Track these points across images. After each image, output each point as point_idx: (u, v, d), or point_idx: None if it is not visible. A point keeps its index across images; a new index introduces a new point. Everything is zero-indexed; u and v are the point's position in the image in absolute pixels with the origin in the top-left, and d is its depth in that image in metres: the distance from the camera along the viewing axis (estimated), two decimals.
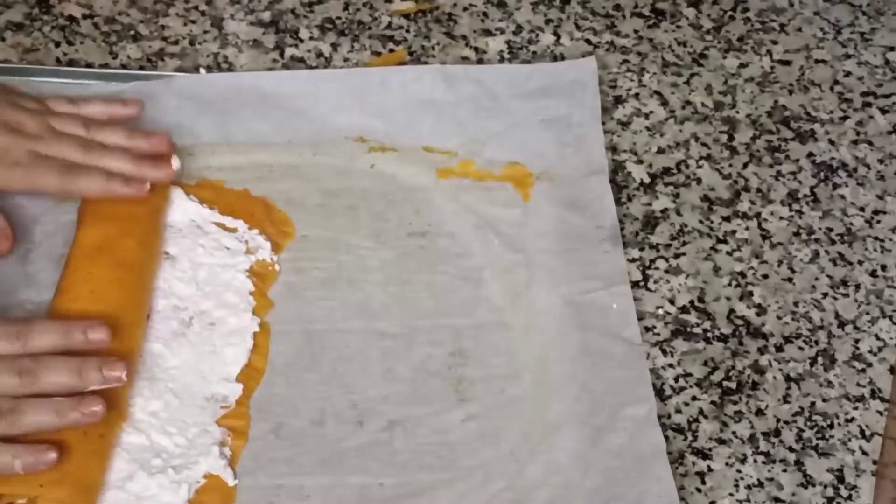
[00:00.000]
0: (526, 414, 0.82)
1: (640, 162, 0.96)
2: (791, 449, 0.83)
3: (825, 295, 0.90)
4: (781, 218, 0.94)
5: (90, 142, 0.87)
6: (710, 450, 0.83)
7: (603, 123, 0.97)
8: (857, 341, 0.88)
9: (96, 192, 0.85)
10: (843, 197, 0.96)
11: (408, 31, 1.02)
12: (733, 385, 0.86)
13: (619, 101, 1.00)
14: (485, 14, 1.04)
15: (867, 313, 0.90)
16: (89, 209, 0.85)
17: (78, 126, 0.87)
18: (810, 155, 0.98)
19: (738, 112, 1.00)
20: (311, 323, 0.85)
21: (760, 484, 0.82)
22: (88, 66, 0.97)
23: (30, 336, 0.76)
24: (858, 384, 0.86)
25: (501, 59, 1.01)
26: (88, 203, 0.86)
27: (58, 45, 0.98)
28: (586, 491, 0.79)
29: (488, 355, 0.85)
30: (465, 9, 1.04)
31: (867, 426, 0.84)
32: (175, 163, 0.87)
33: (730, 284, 0.90)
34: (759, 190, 0.96)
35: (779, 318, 0.89)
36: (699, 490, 0.81)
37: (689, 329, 0.88)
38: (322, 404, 0.82)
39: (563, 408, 0.82)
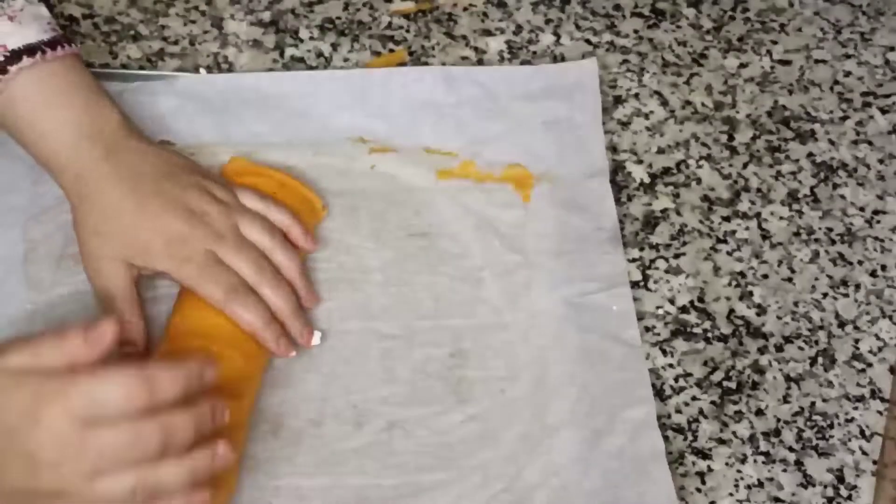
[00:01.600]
0: (525, 415, 0.82)
1: (640, 162, 0.96)
2: (791, 449, 0.83)
3: (825, 295, 0.90)
4: (781, 218, 0.94)
5: (264, 264, 0.82)
6: (710, 450, 0.83)
7: (603, 123, 0.96)
8: (857, 341, 0.88)
9: (251, 328, 0.80)
10: (843, 197, 0.96)
11: (408, 31, 1.02)
12: (733, 385, 0.86)
13: (619, 101, 1.00)
14: (485, 14, 1.04)
15: (867, 313, 0.90)
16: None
17: (263, 234, 0.83)
18: (810, 155, 0.98)
19: (738, 112, 1.00)
20: (311, 323, 0.85)
21: (760, 484, 0.82)
22: (88, 65, 0.96)
23: (155, 385, 0.67)
24: (858, 384, 0.86)
25: (501, 60, 1.01)
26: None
27: None
28: (585, 493, 0.79)
29: (488, 356, 0.85)
30: (465, 9, 1.04)
31: (867, 426, 0.84)
32: (317, 337, 0.85)
33: (730, 284, 0.90)
34: (759, 190, 0.95)
35: (779, 318, 0.89)
36: (699, 490, 0.81)
37: (689, 329, 0.88)
38: (321, 405, 0.82)
39: (563, 409, 0.82)
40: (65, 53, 0.83)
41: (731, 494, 0.81)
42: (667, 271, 0.91)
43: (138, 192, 0.81)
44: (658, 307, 0.89)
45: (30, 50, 0.81)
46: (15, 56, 0.81)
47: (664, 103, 1.00)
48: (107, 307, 0.81)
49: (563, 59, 1.01)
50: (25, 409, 0.65)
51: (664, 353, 0.87)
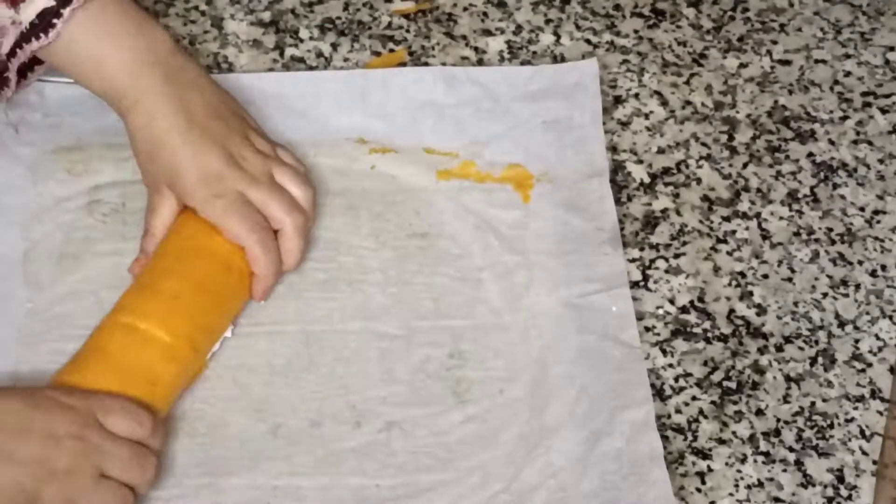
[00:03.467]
0: (524, 416, 0.82)
1: (640, 162, 0.96)
2: (791, 449, 0.83)
3: (825, 295, 0.90)
4: (781, 218, 0.94)
5: (295, 210, 0.85)
6: (710, 450, 0.83)
7: (603, 123, 0.96)
8: (857, 341, 0.88)
9: (259, 272, 0.84)
10: (843, 197, 0.96)
11: (408, 31, 1.02)
12: (733, 385, 0.86)
13: (619, 101, 0.99)
14: (485, 14, 1.04)
15: (867, 313, 0.90)
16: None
17: (297, 184, 0.86)
18: (810, 155, 0.98)
19: (738, 112, 1.00)
20: (310, 323, 0.85)
21: (760, 484, 0.82)
22: None
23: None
24: (858, 384, 0.86)
25: (501, 59, 1.01)
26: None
27: None
28: (583, 494, 0.79)
29: (487, 357, 0.85)
30: (465, 9, 1.04)
31: (867, 426, 0.84)
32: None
33: (730, 284, 0.90)
34: (759, 190, 0.95)
35: (779, 318, 0.89)
36: (699, 490, 0.81)
37: (689, 329, 0.88)
38: (320, 405, 0.82)
39: (561, 410, 0.82)
40: None
41: (731, 494, 0.81)
42: (667, 271, 0.91)
43: (188, 126, 0.84)
44: (658, 307, 0.89)
45: None
46: None
47: (664, 103, 1.00)
48: (148, 214, 0.85)
49: (563, 59, 1.01)
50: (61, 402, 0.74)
51: (664, 353, 0.87)
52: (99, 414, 0.75)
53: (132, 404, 0.76)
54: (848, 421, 0.85)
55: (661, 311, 0.89)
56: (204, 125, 0.84)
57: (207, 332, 0.82)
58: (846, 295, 0.91)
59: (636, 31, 1.04)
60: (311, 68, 0.99)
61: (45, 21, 0.82)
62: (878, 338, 0.89)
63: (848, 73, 1.03)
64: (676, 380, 0.86)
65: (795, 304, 0.90)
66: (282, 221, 0.84)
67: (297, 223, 0.85)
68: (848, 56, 1.04)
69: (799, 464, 0.83)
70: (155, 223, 0.85)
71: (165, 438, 0.78)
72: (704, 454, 0.83)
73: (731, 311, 0.89)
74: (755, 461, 0.82)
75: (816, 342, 0.88)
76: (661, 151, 0.97)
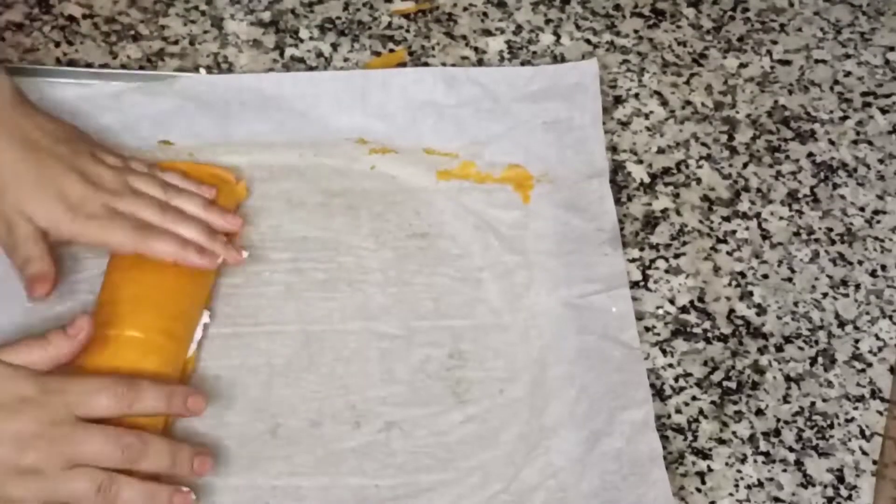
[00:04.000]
0: (523, 416, 0.82)
1: (640, 162, 0.96)
2: (791, 449, 0.83)
3: (825, 295, 0.90)
4: (781, 218, 0.94)
5: (167, 205, 0.86)
6: (710, 450, 0.83)
7: (603, 123, 0.96)
8: (857, 341, 0.88)
9: (170, 255, 0.83)
10: (843, 197, 0.96)
11: (408, 31, 1.02)
12: (733, 385, 0.86)
13: (619, 101, 0.99)
14: (485, 14, 1.04)
15: (867, 313, 0.90)
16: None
17: (156, 188, 0.86)
18: (810, 155, 0.98)
19: (738, 112, 1.00)
20: (310, 323, 0.85)
21: (760, 484, 0.81)
22: (88, 65, 0.97)
23: (137, 399, 0.76)
24: (858, 384, 0.86)
25: (501, 59, 1.01)
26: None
27: (58, 45, 0.98)
28: (582, 494, 0.79)
29: (487, 357, 0.85)
30: (465, 9, 1.04)
31: (867, 426, 0.84)
32: (245, 253, 0.87)
33: (730, 284, 0.90)
34: (759, 190, 0.95)
35: (779, 318, 0.89)
36: (699, 490, 0.81)
37: (689, 329, 0.88)
38: (320, 405, 0.82)
39: (561, 410, 0.82)
40: None
41: (731, 494, 0.81)
42: (667, 271, 0.91)
43: (36, 155, 0.83)
44: (658, 307, 0.89)
45: None
46: None
47: (664, 103, 1.00)
48: (17, 260, 0.83)
49: (563, 58, 1.01)
50: (25, 396, 0.73)
51: (664, 353, 0.87)
52: (72, 401, 0.74)
53: (108, 379, 0.76)
54: (848, 421, 0.85)
55: (661, 311, 0.89)
56: (52, 153, 0.84)
57: (181, 320, 0.83)
58: (846, 295, 0.91)
59: (636, 31, 1.04)
60: (311, 68, 0.99)
61: None
62: (878, 338, 0.89)
63: (848, 73, 1.03)
64: (676, 380, 0.86)
65: (795, 304, 0.90)
66: (160, 223, 0.84)
67: (170, 217, 0.85)
68: (848, 56, 1.04)
69: (799, 464, 0.83)
70: (33, 253, 0.83)
71: (156, 403, 0.77)
72: (704, 454, 0.83)
73: (731, 311, 0.89)
74: (755, 461, 0.82)
75: (816, 342, 0.88)
76: (661, 151, 0.97)
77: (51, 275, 0.83)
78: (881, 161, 0.98)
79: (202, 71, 0.98)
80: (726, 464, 0.82)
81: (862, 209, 0.95)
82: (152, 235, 0.83)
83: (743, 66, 1.03)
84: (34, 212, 0.82)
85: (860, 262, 0.92)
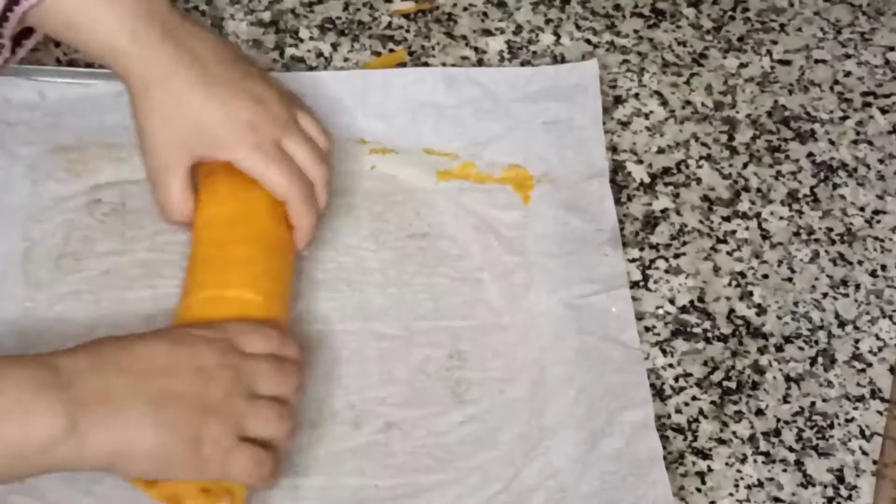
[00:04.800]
0: (523, 417, 0.82)
1: (640, 162, 0.96)
2: (791, 449, 0.83)
3: (825, 295, 0.90)
4: (781, 218, 0.94)
5: (321, 157, 0.85)
6: (710, 450, 0.83)
7: (603, 123, 0.96)
8: (857, 341, 0.88)
9: (302, 223, 0.83)
10: (843, 197, 0.96)
11: (408, 31, 1.02)
12: (733, 385, 0.86)
13: (619, 101, 0.99)
14: (485, 14, 1.04)
15: (867, 313, 0.90)
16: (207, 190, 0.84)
17: (316, 127, 0.86)
18: (810, 155, 0.98)
19: (738, 112, 1.00)
20: (310, 324, 0.85)
21: (760, 484, 0.81)
22: (88, 65, 0.97)
23: (283, 345, 0.77)
24: (858, 384, 0.86)
25: (501, 59, 1.01)
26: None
27: (58, 45, 0.98)
28: (582, 495, 0.79)
29: (486, 357, 0.85)
30: (465, 9, 1.04)
31: (867, 426, 0.84)
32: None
33: (730, 284, 0.90)
34: (759, 190, 0.95)
35: (779, 318, 0.89)
36: (699, 490, 0.81)
37: (689, 329, 0.88)
38: (319, 405, 0.82)
39: (561, 411, 0.82)
40: None
41: (731, 494, 0.81)
42: (667, 271, 0.91)
43: (206, 78, 0.81)
44: (658, 307, 0.89)
45: None
46: None
47: (664, 103, 1.00)
48: (158, 190, 0.82)
49: (563, 58, 1.01)
50: (197, 336, 0.75)
51: (664, 353, 0.87)
52: (234, 339, 0.75)
53: (257, 323, 0.77)
54: (848, 421, 0.85)
55: (661, 311, 0.89)
56: (221, 74, 0.81)
57: (287, 287, 0.82)
58: (846, 295, 0.91)
59: (636, 31, 1.04)
60: (311, 68, 0.99)
61: None
62: (878, 338, 0.89)
63: (848, 73, 1.03)
64: (676, 380, 0.86)
65: (795, 304, 0.90)
66: (312, 174, 0.83)
67: (325, 176, 0.84)
68: (848, 56, 1.04)
69: (799, 464, 0.83)
70: (173, 198, 0.82)
71: (298, 347, 0.78)
72: (704, 454, 0.83)
73: (731, 311, 0.89)
74: (755, 461, 0.82)
75: (816, 342, 0.88)
76: (661, 151, 0.97)
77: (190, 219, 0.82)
78: (881, 161, 0.98)
79: None
80: (726, 464, 0.82)
81: (862, 209, 0.95)
82: (302, 196, 0.82)
83: (743, 66, 1.03)
84: (200, 134, 0.80)
85: (860, 262, 0.92)
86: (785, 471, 0.82)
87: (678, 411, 0.84)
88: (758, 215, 0.94)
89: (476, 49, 1.01)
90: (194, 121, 0.80)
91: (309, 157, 0.83)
